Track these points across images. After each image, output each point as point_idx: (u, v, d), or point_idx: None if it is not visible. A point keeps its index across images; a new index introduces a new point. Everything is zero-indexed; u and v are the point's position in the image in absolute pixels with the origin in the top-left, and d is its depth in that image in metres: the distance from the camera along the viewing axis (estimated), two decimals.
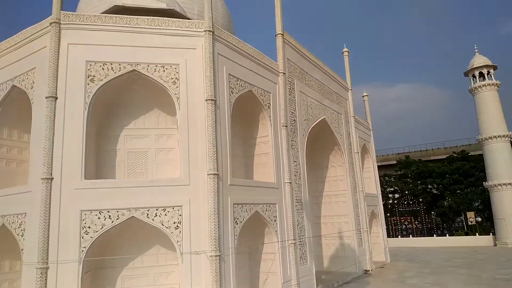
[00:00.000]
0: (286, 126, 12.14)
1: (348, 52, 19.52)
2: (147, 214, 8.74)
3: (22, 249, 8.87)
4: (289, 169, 12.02)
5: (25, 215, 8.90)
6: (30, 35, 9.68)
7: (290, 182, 11.92)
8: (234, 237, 9.51)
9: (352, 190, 17.33)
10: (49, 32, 9.13)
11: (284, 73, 12.53)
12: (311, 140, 14.29)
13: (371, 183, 21.42)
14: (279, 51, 12.62)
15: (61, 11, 9.28)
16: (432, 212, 40.85)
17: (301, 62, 14.04)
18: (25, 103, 9.92)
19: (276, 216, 11.22)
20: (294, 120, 12.92)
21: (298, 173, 12.76)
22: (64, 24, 9.21)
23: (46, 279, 8.21)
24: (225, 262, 9.09)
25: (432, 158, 48.10)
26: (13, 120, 10.59)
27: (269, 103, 11.71)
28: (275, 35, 12.74)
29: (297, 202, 12.36)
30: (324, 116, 15.30)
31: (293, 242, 11.63)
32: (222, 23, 16.12)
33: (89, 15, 9.50)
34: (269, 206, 11.02)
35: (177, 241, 8.76)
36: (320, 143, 16.55)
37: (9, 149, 10.63)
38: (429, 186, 40.49)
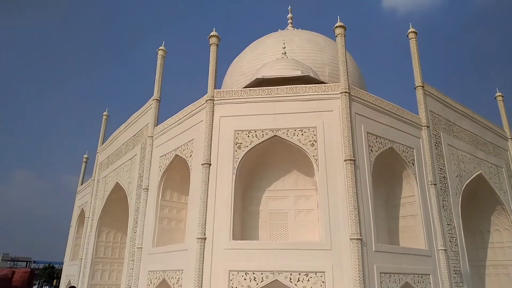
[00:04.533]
0: (434, 184, 10.90)
1: (502, 96, 17.04)
2: (290, 279, 8.64)
3: None
4: (442, 233, 10.54)
5: (182, 272, 9.82)
6: (190, 112, 11.39)
7: (444, 249, 10.37)
8: None
9: None
10: (205, 108, 10.59)
11: (428, 126, 11.56)
12: (466, 200, 12.41)
13: None
14: (420, 104, 11.82)
15: (214, 90, 10.74)
16: None
17: (446, 113, 12.80)
18: (184, 169, 11.44)
19: None
20: (444, 177, 11.54)
21: (454, 238, 11.06)
22: (216, 100, 10.58)
23: None
24: None
25: None
26: (174, 184, 12.23)
27: (413, 160, 10.81)
28: (415, 88, 12.07)
29: (455, 273, 10.57)
30: (479, 171, 13.29)
31: None
32: (353, 80, 16.20)
33: (236, 90, 10.74)
34: (421, 277, 9.68)
35: None
36: (477, 202, 14.21)
37: (170, 210, 12.18)
38: None
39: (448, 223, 11.05)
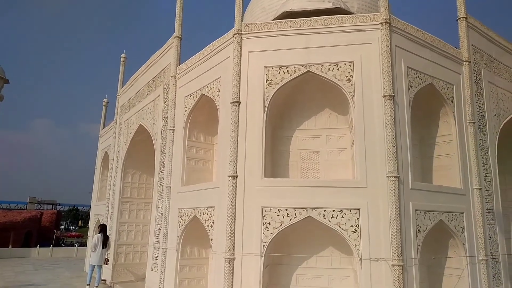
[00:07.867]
0: (473, 123, 10.42)
1: None
2: (324, 215, 8.63)
3: (211, 239, 9.92)
4: (477, 173, 10.28)
5: (214, 208, 9.93)
6: (216, 48, 10.83)
7: (479, 188, 10.18)
8: (417, 246, 8.57)
9: None
10: (232, 43, 10.01)
11: (469, 62, 10.81)
12: (501, 139, 11.96)
13: None
14: (462, 37, 10.95)
15: (242, 23, 10.08)
16: None
17: (489, 48, 11.92)
18: (211, 109, 11.15)
19: (463, 227, 9.70)
20: (482, 115, 11.02)
21: (489, 178, 10.81)
22: (244, 34, 9.96)
23: (233, 269, 8.95)
24: (407, 273, 8.25)
25: None
26: (200, 124, 12.04)
27: (452, 97, 10.25)
28: (457, 20, 11.13)
29: (488, 212, 10.47)
30: None
31: (485, 258, 9.86)
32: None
33: (266, 23, 10.05)
34: (455, 215, 9.60)
35: (355, 246, 8.37)
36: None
37: (197, 150, 12.10)
38: None
39: (484, 162, 10.73)
